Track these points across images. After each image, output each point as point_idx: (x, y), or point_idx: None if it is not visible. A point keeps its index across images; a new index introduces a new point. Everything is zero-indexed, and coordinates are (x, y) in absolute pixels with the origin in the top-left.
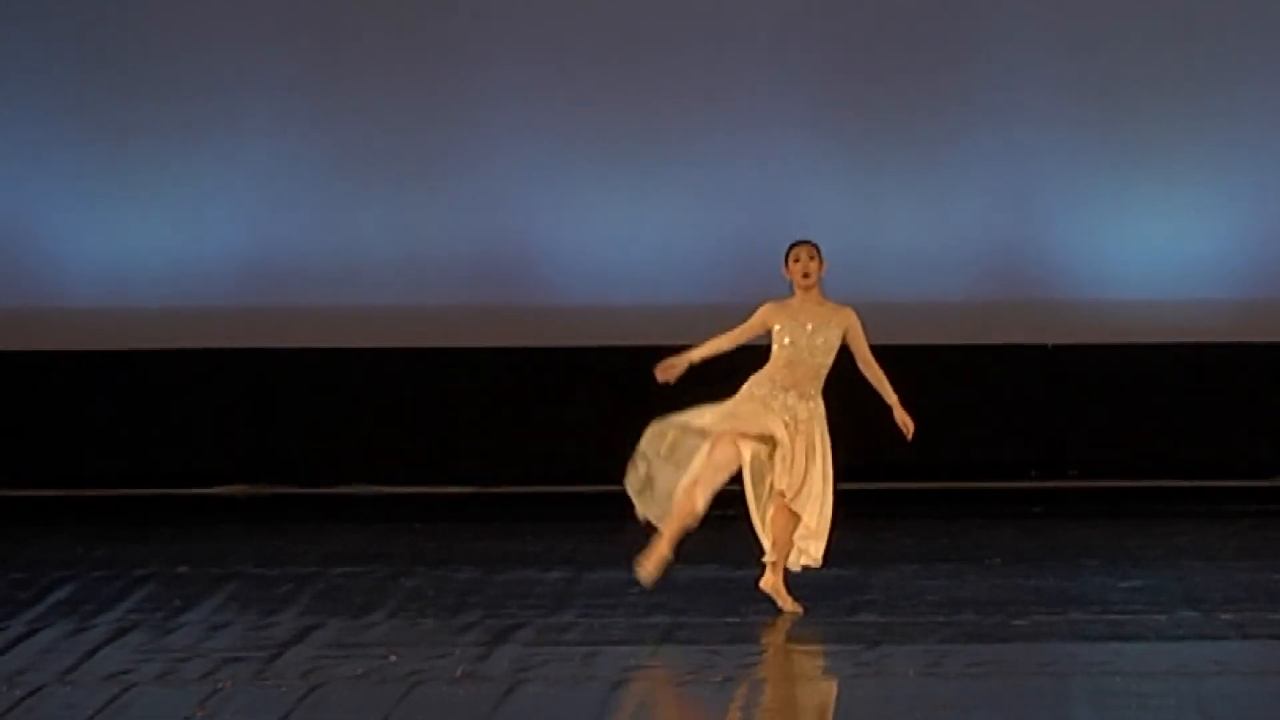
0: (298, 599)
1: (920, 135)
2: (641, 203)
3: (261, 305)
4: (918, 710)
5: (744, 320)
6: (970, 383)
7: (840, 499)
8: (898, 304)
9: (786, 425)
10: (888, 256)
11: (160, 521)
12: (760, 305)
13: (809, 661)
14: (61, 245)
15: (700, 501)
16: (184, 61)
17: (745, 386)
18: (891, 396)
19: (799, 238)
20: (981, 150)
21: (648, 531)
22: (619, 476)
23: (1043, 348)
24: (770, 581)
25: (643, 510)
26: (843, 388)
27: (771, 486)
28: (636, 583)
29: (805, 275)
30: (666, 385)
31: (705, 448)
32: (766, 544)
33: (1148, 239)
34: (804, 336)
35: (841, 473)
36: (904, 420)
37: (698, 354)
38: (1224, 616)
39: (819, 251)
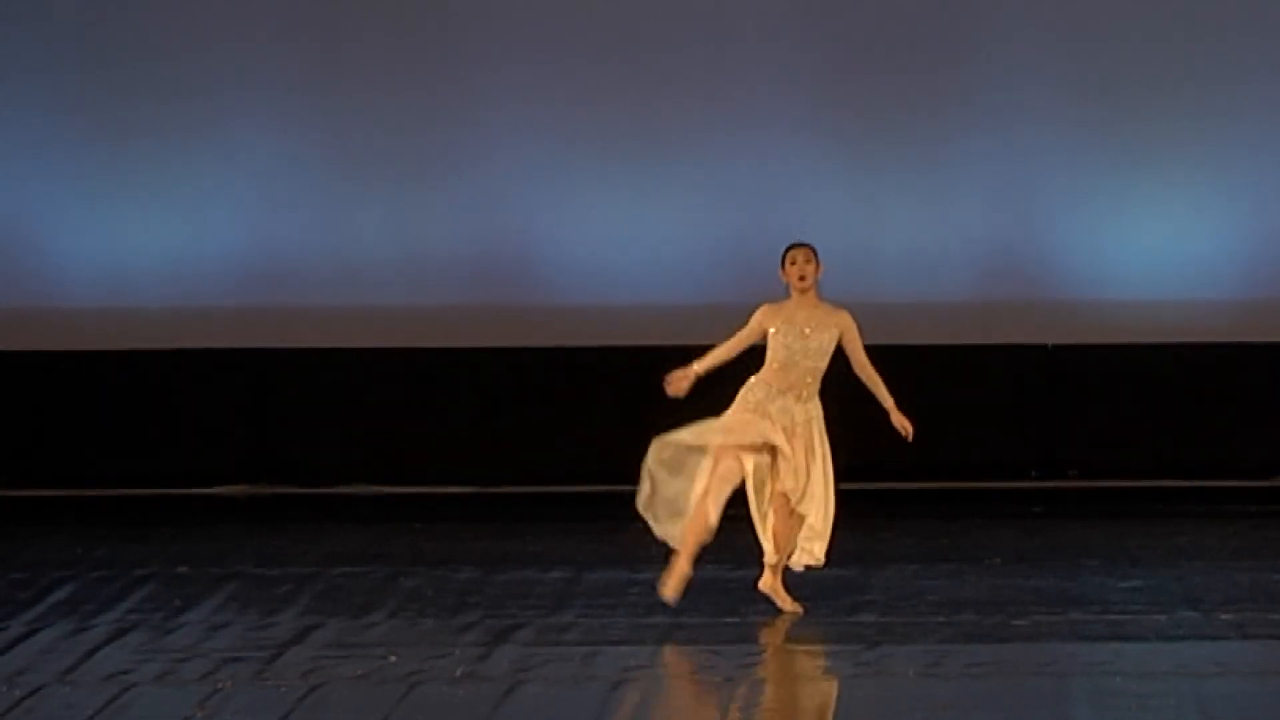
0: (298, 599)
1: (920, 135)
2: (641, 203)
3: (261, 305)
4: (918, 710)
5: (742, 326)
6: (970, 383)
7: (841, 499)
8: (897, 304)
9: (785, 429)
10: (887, 256)
11: (160, 521)
12: (757, 308)
13: (809, 661)
14: (61, 245)
15: (713, 514)
16: (184, 61)
17: (741, 393)
18: (888, 400)
19: (798, 238)
20: (981, 150)
21: (666, 555)
22: (619, 477)
23: (1043, 348)
24: (769, 582)
25: (659, 532)
26: (843, 388)
27: (773, 493)
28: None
29: (801, 278)
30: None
31: (707, 464)
32: (768, 548)
33: (1147, 239)
34: (799, 339)
35: (842, 473)
36: (902, 423)
37: (701, 365)
38: (1224, 616)
39: (815, 254)
